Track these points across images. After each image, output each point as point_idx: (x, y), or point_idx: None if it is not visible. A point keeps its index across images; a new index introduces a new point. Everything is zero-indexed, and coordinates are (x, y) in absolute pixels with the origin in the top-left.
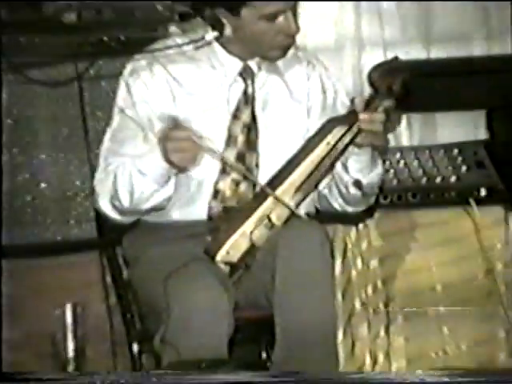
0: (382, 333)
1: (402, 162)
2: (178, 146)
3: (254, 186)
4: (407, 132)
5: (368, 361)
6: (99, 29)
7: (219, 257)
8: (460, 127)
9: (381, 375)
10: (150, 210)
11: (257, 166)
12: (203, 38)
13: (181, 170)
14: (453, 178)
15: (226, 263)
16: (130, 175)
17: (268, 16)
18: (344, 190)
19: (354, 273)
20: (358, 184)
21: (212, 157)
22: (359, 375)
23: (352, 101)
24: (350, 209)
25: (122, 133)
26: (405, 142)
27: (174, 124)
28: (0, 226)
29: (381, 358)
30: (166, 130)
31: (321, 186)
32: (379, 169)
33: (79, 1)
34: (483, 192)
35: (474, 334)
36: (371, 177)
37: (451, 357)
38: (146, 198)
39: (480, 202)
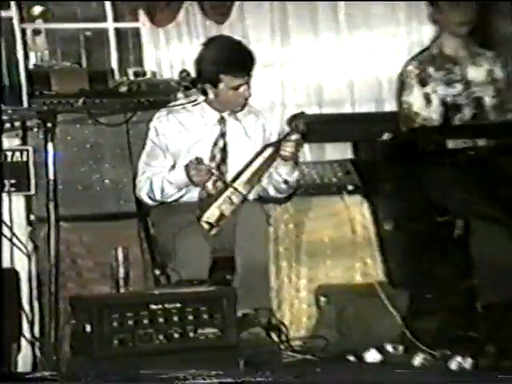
0: (294, 264)
1: (306, 169)
2: (199, 173)
3: (225, 183)
4: (309, 152)
5: (286, 280)
6: (139, 95)
7: (203, 219)
8: (338, 150)
9: None
10: (171, 202)
11: (226, 172)
12: (196, 100)
13: (196, 185)
14: (334, 180)
15: (207, 223)
16: (162, 182)
17: (234, 87)
18: (277, 185)
19: (279, 232)
20: (285, 182)
21: (215, 177)
22: None
23: (279, 135)
24: (279, 195)
25: (151, 153)
26: (308, 158)
27: (199, 161)
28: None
29: (294, 278)
30: (193, 164)
31: (263, 183)
32: (297, 173)
33: (128, 80)
34: (350, 187)
35: (344, 265)
36: (293, 177)
37: (332, 277)
38: (170, 195)
39: (349, 192)
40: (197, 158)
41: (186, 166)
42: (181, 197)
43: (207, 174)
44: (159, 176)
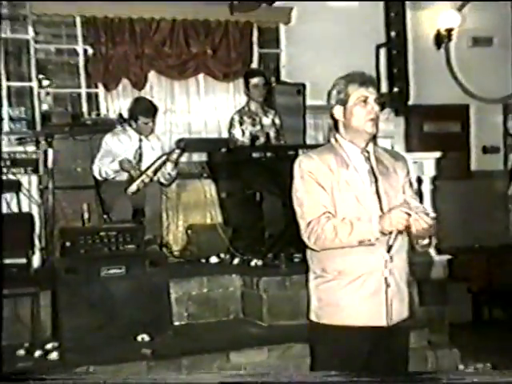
0: (176, 214)
1: (182, 165)
2: (126, 165)
3: (141, 172)
4: (184, 157)
5: (171, 221)
6: (97, 126)
7: (128, 190)
8: (200, 156)
9: None
10: (111, 180)
11: (141, 166)
12: (126, 128)
13: (124, 171)
14: (196, 171)
15: (130, 192)
16: (106, 169)
17: (145, 123)
18: (166, 176)
19: (168, 196)
20: (169, 174)
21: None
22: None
23: (170, 148)
24: (166, 183)
25: (103, 154)
26: (184, 160)
27: (127, 159)
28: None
29: (175, 220)
30: (124, 160)
31: (159, 174)
32: (176, 170)
33: (92, 118)
34: (205, 175)
35: (201, 214)
36: (174, 172)
37: (195, 220)
38: (110, 175)
39: (204, 178)
40: (126, 159)
41: (120, 162)
42: (115, 177)
43: (129, 165)
44: (104, 166)
